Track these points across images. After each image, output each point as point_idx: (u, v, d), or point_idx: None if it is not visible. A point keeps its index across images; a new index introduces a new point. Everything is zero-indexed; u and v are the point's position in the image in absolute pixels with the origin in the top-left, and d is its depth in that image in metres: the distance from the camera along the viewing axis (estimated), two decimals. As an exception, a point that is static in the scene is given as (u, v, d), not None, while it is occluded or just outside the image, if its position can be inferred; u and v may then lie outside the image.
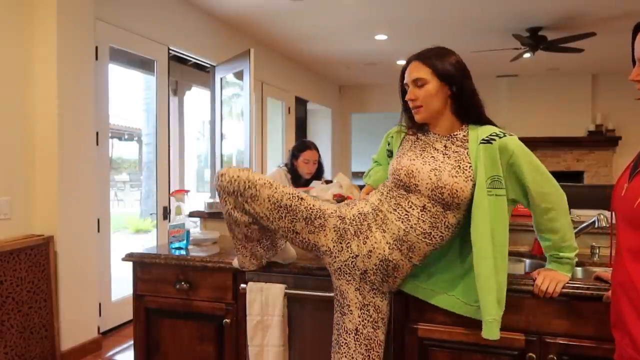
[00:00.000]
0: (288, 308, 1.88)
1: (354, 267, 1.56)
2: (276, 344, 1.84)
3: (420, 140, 1.63)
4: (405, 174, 1.54)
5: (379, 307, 1.57)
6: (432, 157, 1.56)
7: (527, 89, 8.20)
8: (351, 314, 1.58)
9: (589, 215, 2.22)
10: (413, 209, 1.52)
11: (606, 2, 4.56)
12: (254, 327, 1.86)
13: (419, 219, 1.51)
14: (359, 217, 1.58)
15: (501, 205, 1.50)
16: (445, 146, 1.57)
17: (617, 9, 4.74)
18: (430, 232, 1.52)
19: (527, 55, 5.73)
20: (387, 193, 1.58)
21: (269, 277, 1.89)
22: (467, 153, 1.53)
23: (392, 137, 1.76)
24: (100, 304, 3.53)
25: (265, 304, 1.86)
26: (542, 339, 1.59)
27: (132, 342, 2.76)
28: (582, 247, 2.10)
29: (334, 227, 1.58)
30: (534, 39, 5.33)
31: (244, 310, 1.90)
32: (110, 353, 3.34)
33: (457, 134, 1.58)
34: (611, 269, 1.88)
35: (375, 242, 1.54)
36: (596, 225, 1.82)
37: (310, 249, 1.65)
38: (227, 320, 1.95)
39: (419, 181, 1.52)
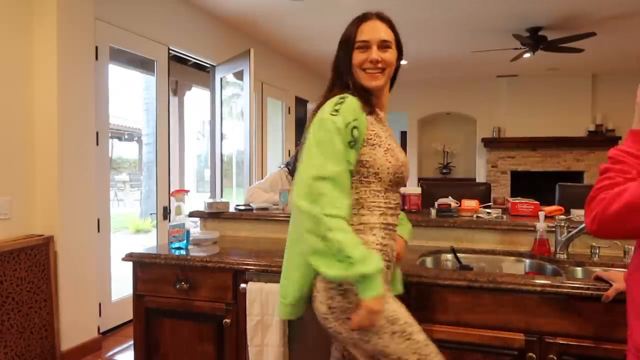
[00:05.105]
0: (288, 308, 1.88)
1: None
2: (276, 344, 1.84)
3: (381, 121, 1.48)
4: (405, 169, 1.48)
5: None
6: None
7: (527, 89, 8.19)
8: None
9: (589, 215, 2.21)
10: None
11: (606, 2, 4.56)
12: (254, 327, 1.86)
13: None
14: None
15: None
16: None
17: (617, 9, 4.73)
18: None
19: (527, 55, 5.73)
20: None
21: (269, 277, 1.89)
22: None
23: (356, 125, 1.36)
24: (100, 304, 3.53)
25: (266, 304, 1.86)
26: (542, 339, 1.59)
27: (132, 342, 2.76)
28: (582, 247, 2.10)
29: None
30: (534, 39, 5.33)
31: (244, 310, 1.90)
32: (110, 353, 3.34)
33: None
34: (611, 268, 1.88)
35: None
36: (596, 225, 1.81)
37: None
38: (227, 320, 1.95)
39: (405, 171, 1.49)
